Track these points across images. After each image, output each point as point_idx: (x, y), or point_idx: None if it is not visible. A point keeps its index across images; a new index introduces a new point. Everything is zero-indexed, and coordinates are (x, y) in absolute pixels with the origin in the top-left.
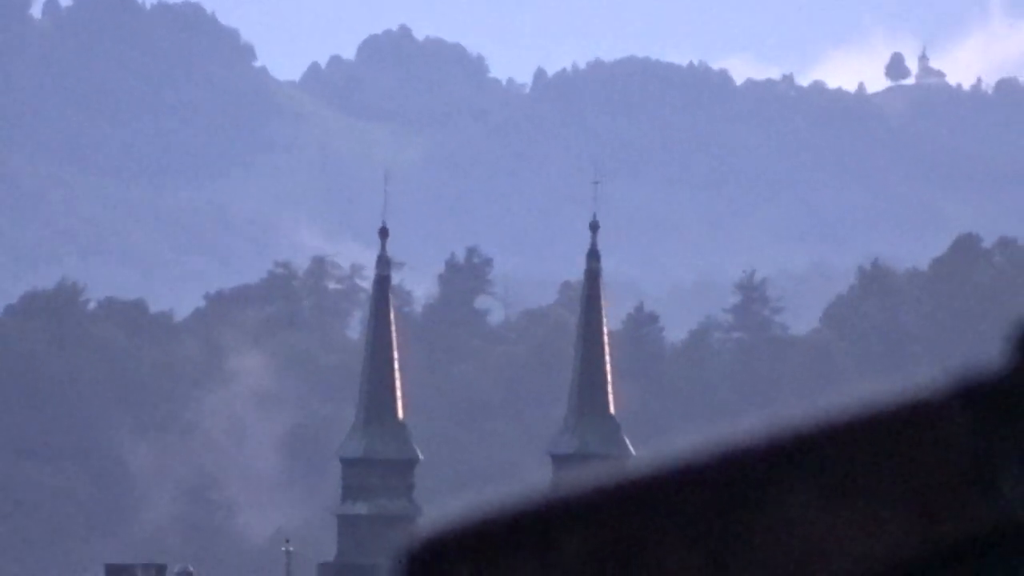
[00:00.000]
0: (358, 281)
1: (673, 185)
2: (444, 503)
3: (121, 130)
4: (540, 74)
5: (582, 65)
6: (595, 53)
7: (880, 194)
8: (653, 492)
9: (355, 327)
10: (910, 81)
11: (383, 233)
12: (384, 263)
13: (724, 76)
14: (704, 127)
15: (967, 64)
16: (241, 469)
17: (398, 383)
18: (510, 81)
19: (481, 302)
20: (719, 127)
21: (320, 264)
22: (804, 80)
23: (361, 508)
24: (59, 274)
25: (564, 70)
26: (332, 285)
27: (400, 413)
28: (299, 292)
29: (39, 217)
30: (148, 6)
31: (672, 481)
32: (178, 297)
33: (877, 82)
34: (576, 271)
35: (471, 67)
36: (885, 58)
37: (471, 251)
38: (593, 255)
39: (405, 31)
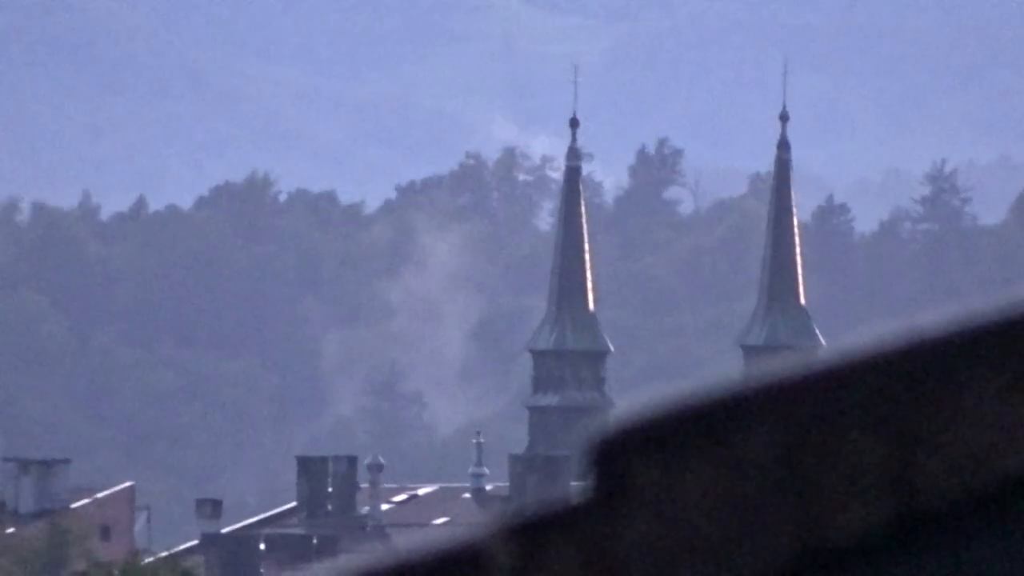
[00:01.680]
0: (548, 172)
1: (861, 75)
2: (635, 395)
3: (307, 23)
4: None
5: None
6: None
7: None
8: (842, 383)
9: (545, 218)
10: None
11: (573, 124)
12: (574, 154)
13: None
14: (892, 16)
15: None
16: (431, 360)
17: (588, 275)
18: None
19: (671, 193)
20: (906, 16)
21: (510, 155)
22: None
23: (552, 400)
24: (249, 167)
25: None
26: (522, 176)
27: (591, 305)
28: (489, 183)
29: (228, 110)
30: None
31: (861, 372)
32: (368, 188)
33: None
34: (766, 162)
35: None
36: None
37: (661, 142)
38: (783, 146)
39: None
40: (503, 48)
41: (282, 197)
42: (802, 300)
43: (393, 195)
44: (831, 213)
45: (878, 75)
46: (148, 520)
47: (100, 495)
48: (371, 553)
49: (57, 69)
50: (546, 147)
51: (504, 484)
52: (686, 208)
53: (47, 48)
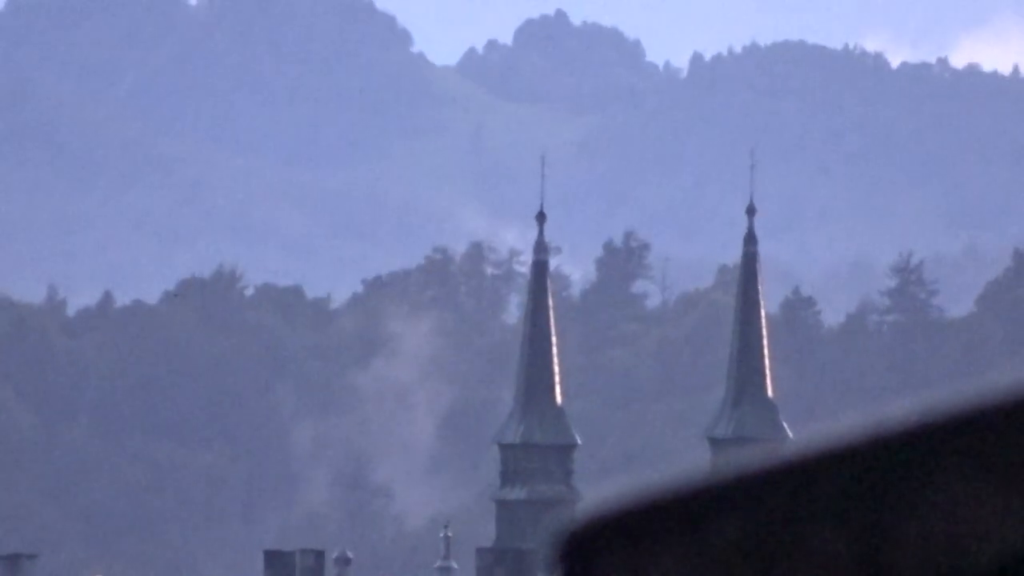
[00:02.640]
0: (516, 266)
1: (828, 168)
2: (603, 487)
3: (277, 114)
4: (696, 58)
5: (738, 49)
6: (751, 37)
7: None
8: (809, 476)
9: (513, 312)
10: None
11: (540, 218)
12: (542, 248)
13: (879, 59)
14: (859, 110)
15: None
16: (398, 453)
17: (556, 368)
18: (667, 65)
19: (638, 286)
20: (873, 110)
21: (478, 249)
22: (959, 62)
23: (519, 493)
24: (216, 259)
25: (720, 54)
26: (490, 270)
27: (558, 398)
28: (457, 277)
29: (196, 201)
30: None
31: (828, 464)
32: (335, 282)
33: None
34: (733, 254)
35: (628, 51)
36: None
37: (628, 235)
38: (750, 239)
39: (562, 15)
40: (472, 139)
41: (248, 291)
42: (769, 392)
43: (360, 288)
44: (798, 305)
45: (845, 167)
46: None
47: None
48: None
49: (25, 161)
50: (515, 239)
51: None
52: (653, 301)
53: (15, 139)
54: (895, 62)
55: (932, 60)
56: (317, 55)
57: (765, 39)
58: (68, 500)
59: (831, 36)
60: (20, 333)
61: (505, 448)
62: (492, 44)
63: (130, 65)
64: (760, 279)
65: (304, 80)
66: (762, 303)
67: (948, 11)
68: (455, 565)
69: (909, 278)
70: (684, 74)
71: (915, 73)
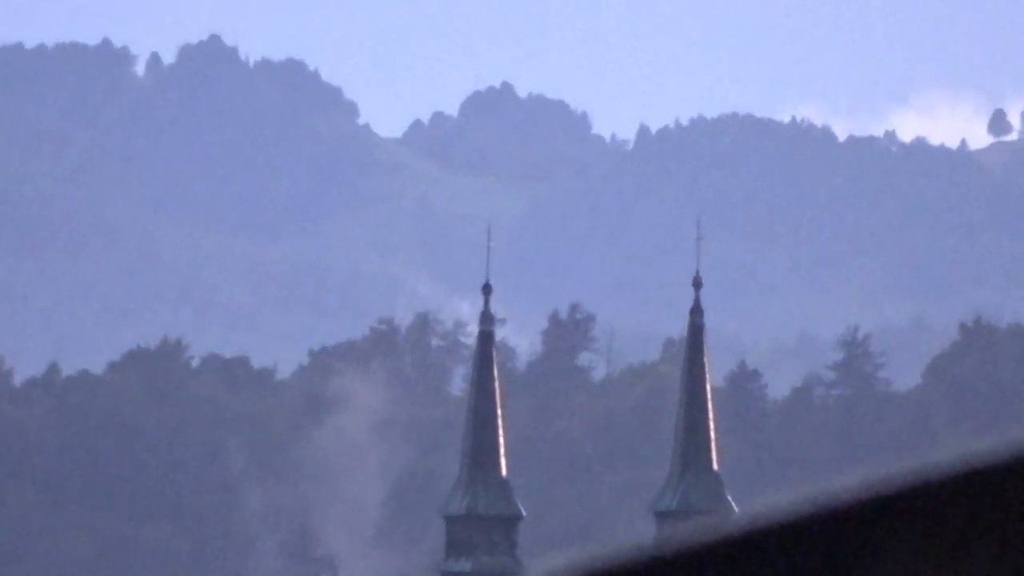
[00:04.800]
0: (461, 337)
1: (775, 240)
2: (547, 560)
3: (223, 185)
4: (643, 131)
5: (684, 122)
6: (697, 110)
7: (982, 249)
8: (755, 549)
9: (458, 383)
10: (1012, 137)
11: (486, 290)
12: (487, 319)
13: (827, 132)
14: (806, 183)
15: None
16: (345, 524)
17: (501, 439)
18: (613, 137)
19: (584, 358)
20: (822, 183)
21: (423, 320)
22: (906, 136)
23: (464, 565)
24: (162, 329)
25: (667, 127)
26: (435, 341)
27: (503, 470)
28: (402, 348)
29: (142, 271)
30: (251, 63)
31: (774, 538)
32: (281, 353)
33: (979, 138)
34: (679, 327)
35: (574, 123)
36: (987, 114)
37: (574, 307)
38: (696, 312)
39: (508, 87)
40: (418, 210)
41: (194, 362)
42: (715, 465)
43: (306, 359)
44: (744, 378)
45: (792, 239)
46: None
47: None
48: None
49: None
50: (461, 309)
51: None
52: (599, 373)
53: None
54: (842, 135)
55: (879, 133)
56: (263, 125)
57: (712, 111)
58: (12, 571)
59: (775, 109)
60: None
61: (450, 519)
62: (438, 115)
63: (76, 133)
64: (706, 352)
65: (250, 150)
66: (708, 376)
67: (899, 86)
68: None
69: (855, 351)
70: (630, 146)
71: (862, 146)
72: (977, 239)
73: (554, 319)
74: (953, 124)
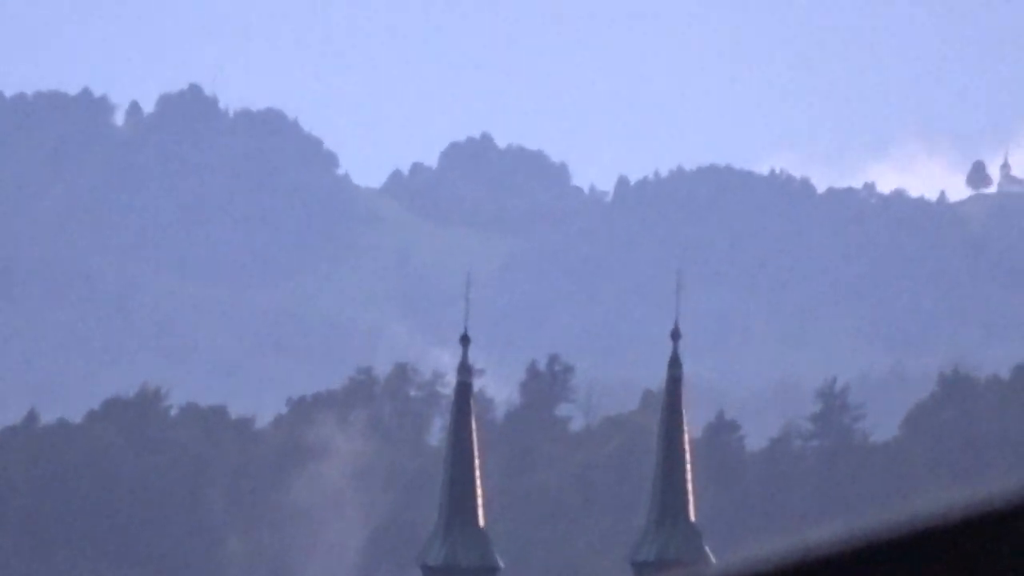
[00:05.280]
0: (439, 388)
1: (754, 292)
2: None
3: (203, 234)
4: (622, 182)
5: (664, 173)
6: (677, 162)
7: (960, 301)
8: None
9: (436, 433)
10: (992, 190)
11: (464, 340)
12: (465, 370)
13: (806, 184)
14: (785, 234)
15: None
16: (323, 573)
17: (479, 490)
18: (592, 188)
19: (562, 409)
20: (800, 234)
21: (402, 371)
22: (886, 188)
23: None
24: (140, 376)
25: (646, 178)
26: (413, 392)
27: (481, 520)
28: (381, 398)
29: (121, 319)
30: (231, 113)
31: None
32: (260, 402)
33: (959, 190)
34: (657, 378)
35: (553, 174)
36: (967, 167)
37: (552, 358)
38: (675, 363)
39: (487, 138)
40: (397, 260)
41: (173, 411)
42: (692, 516)
43: (284, 409)
44: (722, 429)
45: (771, 290)
46: None
47: None
48: None
49: None
50: (440, 359)
51: None
52: (577, 424)
53: None
54: (821, 186)
55: (859, 185)
56: (243, 175)
57: (691, 163)
58: None
59: (754, 160)
60: None
61: (427, 570)
62: (417, 166)
63: (55, 182)
64: (684, 403)
65: (230, 199)
66: (686, 427)
67: (858, 137)
68: None
69: (834, 403)
70: (609, 197)
71: (841, 197)
72: (956, 291)
73: (532, 370)
74: (932, 176)
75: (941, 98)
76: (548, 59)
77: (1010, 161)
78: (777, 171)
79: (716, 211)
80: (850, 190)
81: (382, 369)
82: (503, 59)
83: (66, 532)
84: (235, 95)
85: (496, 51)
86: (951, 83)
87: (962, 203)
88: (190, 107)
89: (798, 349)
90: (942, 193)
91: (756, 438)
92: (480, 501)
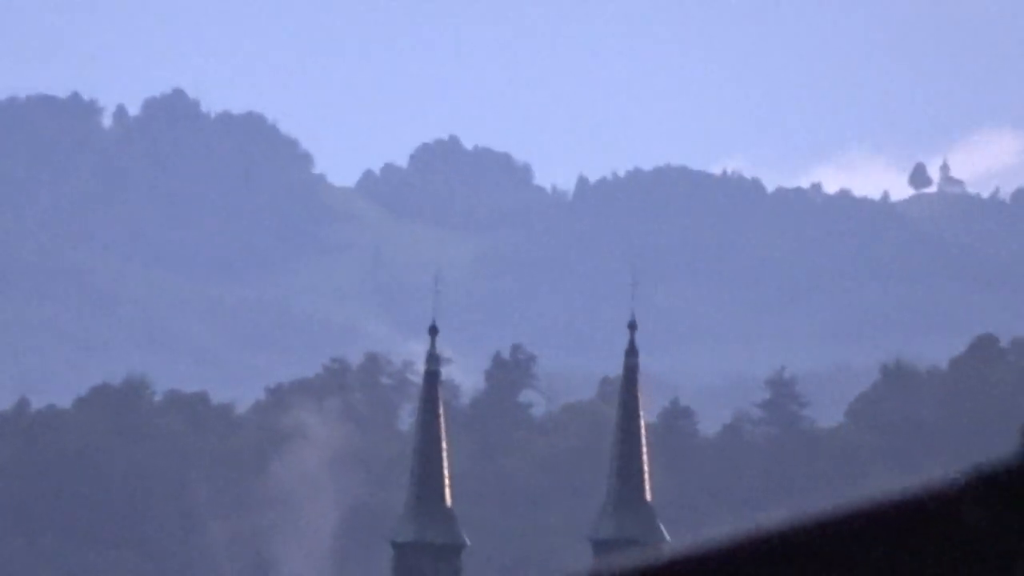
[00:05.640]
0: (408, 376)
1: (706, 287)
2: None
3: (186, 231)
4: (582, 181)
5: (621, 173)
6: (634, 162)
7: (902, 296)
8: (686, 575)
9: (405, 419)
10: (932, 189)
11: (432, 331)
12: (433, 359)
13: (756, 184)
14: (736, 232)
15: (986, 173)
16: (300, 552)
17: (446, 471)
18: (554, 188)
19: (525, 396)
20: (751, 232)
21: (373, 360)
22: (832, 188)
23: None
24: (127, 367)
25: (604, 178)
26: (384, 380)
27: (448, 500)
28: (353, 386)
29: (108, 312)
30: (212, 115)
31: (704, 566)
32: (240, 390)
33: (901, 190)
34: (615, 367)
35: (517, 175)
36: (909, 168)
37: (516, 348)
38: (631, 353)
39: (455, 140)
40: (370, 256)
41: (157, 398)
42: (648, 497)
43: (263, 395)
44: (677, 415)
45: (723, 285)
46: None
47: None
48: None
49: None
50: (410, 349)
51: None
52: (539, 410)
53: None
54: (770, 187)
55: (806, 185)
56: (224, 174)
57: (647, 164)
58: None
59: (708, 161)
60: None
61: (398, 547)
62: (389, 166)
63: (45, 181)
64: (640, 391)
65: (211, 198)
66: (642, 413)
67: (827, 141)
68: None
69: (782, 391)
70: (570, 196)
71: (789, 197)
72: (899, 286)
73: (497, 359)
74: (875, 177)
75: (884, 103)
76: (513, 64)
77: (949, 163)
78: (729, 172)
79: (671, 210)
80: (798, 190)
81: (355, 359)
82: (470, 64)
83: (53, 514)
84: (217, 99)
85: (463, 56)
86: (894, 89)
87: (904, 202)
88: (174, 110)
89: (749, 341)
90: (885, 193)
91: (709, 424)
92: (447, 482)
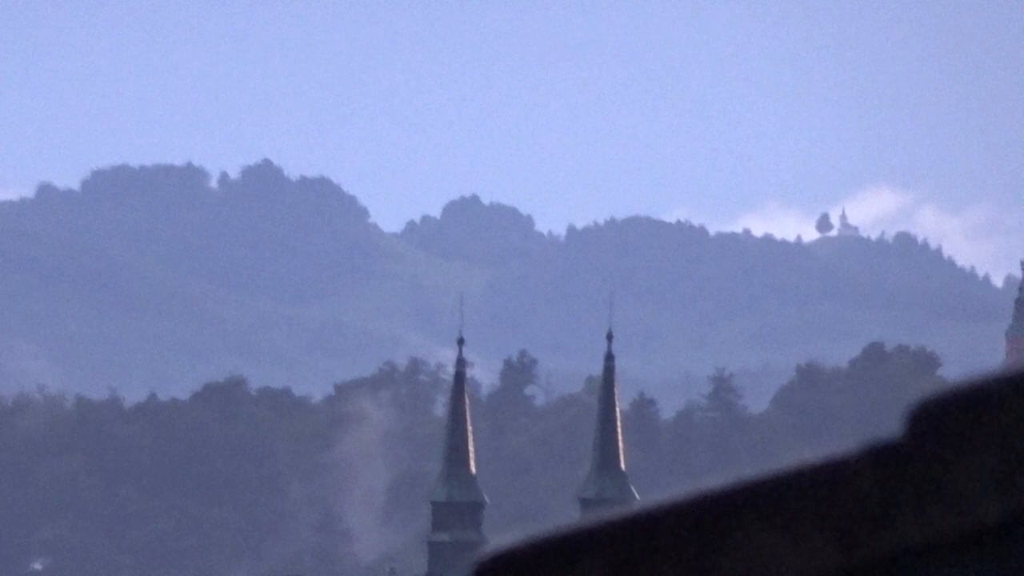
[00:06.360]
0: (441, 375)
1: (666, 306)
2: (502, 534)
3: (272, 266)
4: (572, 228)
5: (601, 222)
6: (611, 213)
7: (813, 313)
8: (651, 526)
9: (439, 408)
10: (834, 233)
11: (460, 342)
12: (460, 363)
13: (702, 229)
14: (688, 266)
15: (874, 220)
16: (359, 509)
17: (471, 447)
18: (550, 233)
19: (529, 390)
20: (698, 265)
21: (414, 364)
22: (758, 232)
23: (444, 537)
24: (229, 369)
25: (588, 226)
26: (423, 378)
27: (472, 469)
28: (399, 382)
29: (215, 327)
30: (293, 179)
31: (665, 518)
32: (313, 386)
33: (810, 234)
34: (597, 368)
35: (522, 223)
36: (816, 216)
37: (522, 353)
38: (609, 357)
39: (476, 198)
40: (412, 285)
41: (252, 392)
42: (623, 467)
43: (331, 391)
44: (643, 405)
45: (679, 306)
46: None
47: None
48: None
49: (95, 297)
50: (443, 355)
51: None
52: (540, 401)
53: (88, 283)
54: (713, 232)
55: (739, 230)
56: (301, 223)
57: (621, 214)
58: (122, 538)
59: (665, 211)
60: (89, 421)
61: (435, 504)
62: (426, 217)
63: (167, 228)
64: (616, 385)
65: (291, 240)
66: (617, 403)
67: (737, 191)
68: None
69: (723, 386)
70: (563, 239)
71: (727, 240)
72: (810, 307)
73: (508, 362)
74: (790, 224)
75: (796, 166)
76: (518, 135)
77: (846, 212)
78: (682, 220)
79: (639, 248)
80: (732, 234)
81: (401, 362)
82: (485, 136)
83: (174, 480)
84: (295, 165)
85: (479, 131)
86: (802, 154)
87: (813, 243)
88: (263, 175)
89: (698, 348)
90: (798, 236)
91: (667, 411)
92: (472, 456)
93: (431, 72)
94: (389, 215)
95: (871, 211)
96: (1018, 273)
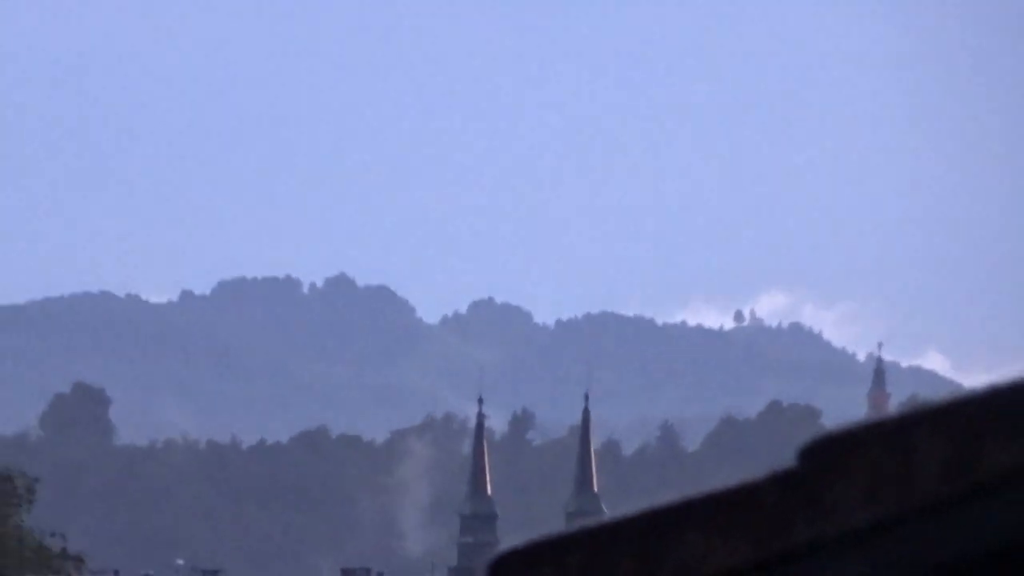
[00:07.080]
0: (467, 425)
1: (627, 374)
2: (511, 538)
3: (347, 347)
4: (559, 321)
5: (578, 316)
6: (585, 309)
7: (732, 379)
8: (617, 530)
9: (466, 447)
10: (746, 324)
11: (480, 401)
12: (480, 415)
13: (651, 320)
14: (642, 345)
15: (772, 313)
16: (410, 518)
17: (487, 475)
18: (543, 323)
19: (529, 435)
20: (650, 344)
21: (448, 416)
22: (692, 323)
23: (469, 539)
24: (316, 421)
25: (569, 319)
26: (454, 426)
27: (489, 491)
28: (438, 429)
29: (306, 390)
30: (363, 287)
31: (627, 524)
32: (377, 432)
33: (729, 323)
34: (577, 418)
35: (523, 318)
36: (732, 311)
37: (524, 410)
38: (586, 412)
39: (491, 300)
40: (447, 362)
41: (333, 437)
42: (595, 489)
43: (390, 435)
44: (610, 445)
45: (636, 374)
46: None
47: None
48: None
49: (219, 371)
50: (468, 410)
51: None
52: (537, 441)
53: (215, 362)
54: (659, 322)
55: (678, 321)
56: (364, 319)
57: (593, 309)
58: (242, 540)
59: (627, 305)
60: (217, 458)
61: (462, 516)
62: (456, 313)
63: (273, 321)
64: (591, 431)
65: (355, 331)
66: (592, 443)
67: (676, 290)
68: None
69: (668, 431)
70: (552, 328)
71: (671, 328)
72: (730, 375)
73: (514, 416)
74: (715, 316)
75: (719, 273)
76: (517, 241)
77: (755, 308)
78: (637, 314)
79: (606, 335)
80: (675, 323)
81: (438, 415)
82: (493, 244)
83: (280, 500)
84: (361, 274)
85: (489, 239)
86: (721, 262)
87: (731, 332)
88: (343, 282)
89: (651, 404)
90: (721, 325)
91: (628, 448)
92: (488, 481)
93: (462, 196)
94: (430, 310)
95: (770, 307)
96: (875, 351)
